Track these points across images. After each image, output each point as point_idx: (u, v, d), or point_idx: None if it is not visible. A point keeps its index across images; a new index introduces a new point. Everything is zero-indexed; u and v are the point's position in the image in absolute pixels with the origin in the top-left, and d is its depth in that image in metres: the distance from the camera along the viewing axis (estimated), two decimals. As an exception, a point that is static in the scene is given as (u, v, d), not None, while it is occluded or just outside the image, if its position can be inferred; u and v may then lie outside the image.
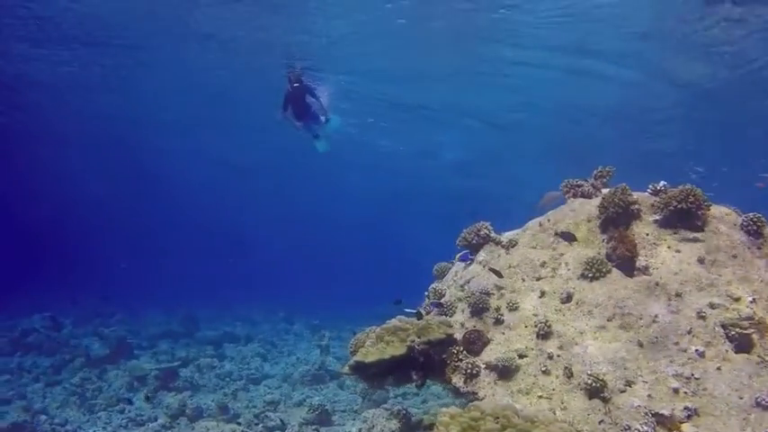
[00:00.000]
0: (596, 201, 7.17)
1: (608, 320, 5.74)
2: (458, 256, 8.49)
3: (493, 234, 7.87)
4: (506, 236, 7.91)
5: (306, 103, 14.30)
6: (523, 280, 6.71)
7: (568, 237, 6.58)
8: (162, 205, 55.48)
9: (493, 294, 6.78)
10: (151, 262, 58.62)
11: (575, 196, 7.74)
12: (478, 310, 6.65)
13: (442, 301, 7.54)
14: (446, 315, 7.19)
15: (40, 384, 16.10)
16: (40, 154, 37.79)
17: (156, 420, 12.53)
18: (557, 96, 19.65)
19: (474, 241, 7.88)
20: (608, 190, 7.25)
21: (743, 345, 5.25)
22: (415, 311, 9.62)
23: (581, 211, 7.16)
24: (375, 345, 6.90)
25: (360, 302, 34.87)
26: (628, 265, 6.29)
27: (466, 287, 7.54)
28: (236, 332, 22.24)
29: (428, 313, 7.61)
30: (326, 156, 17.10)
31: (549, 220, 7.38)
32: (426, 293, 8.41)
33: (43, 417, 13.10)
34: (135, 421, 12.58)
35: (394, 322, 6.80)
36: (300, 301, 35.98)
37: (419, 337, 6.30)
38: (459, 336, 6.51)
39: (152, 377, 15.21)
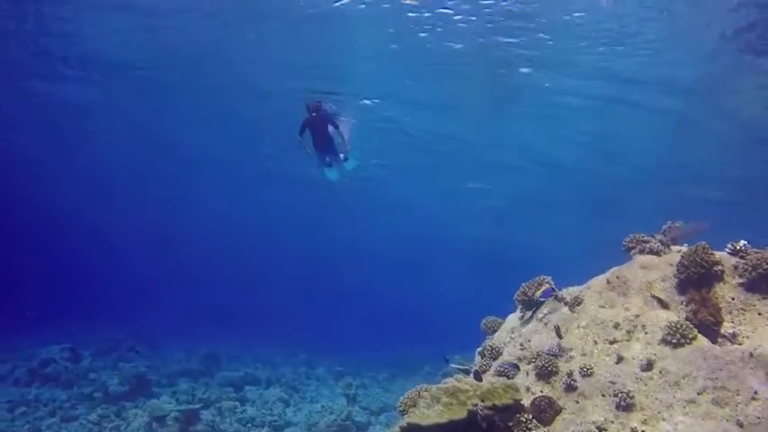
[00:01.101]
0: (667, 258, 6.66)
1: (698, 394, 5.15)
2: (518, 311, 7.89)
3: (556, 290, 7.35)
4: (568, 292, 7.39)
5: (328, 135, 13.94)
6: (596, 342, 6.15)
7: (664, 304, 6.07)
8: (186, 235, 55.67)
9: (560, 356, 6.21)
10: (172, 293, 58.62)
11: (641, 253, 7.23)
12: (546, 373, 6.09)
13: (500, 360, 6.96)
14: (506, 376, 6.62)
15: (55, 419, 15.65)
16: (65, 183, 38.22)
17: (175, 467, 11.92)
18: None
19: (535, 297, 7.35)
20: (681, 248, 6.75)
21: None
22: (462, 368, 9.05)
23: (653, 270, 6.64)
24: (431, 406, 6.35)
25: (380, 348, 34.11)
26: (711, 332, 5.73)
27: (526, 346, 6.98)
28: (258, 374, 21.60)
29: (484, 372, 7.04)
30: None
31: (617, 278, 6.85)
32: (479, 350, 7.86)
33: (59, 456, 12.58)
34: (153, 466, 11.98)
35: (452, 382, 6.25)
36: (320, 342, 35.27)
37: (483, 401, 5.74)
38: (526, 402, 5.93)
39: (172, 418, 14.63)
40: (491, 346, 7.39)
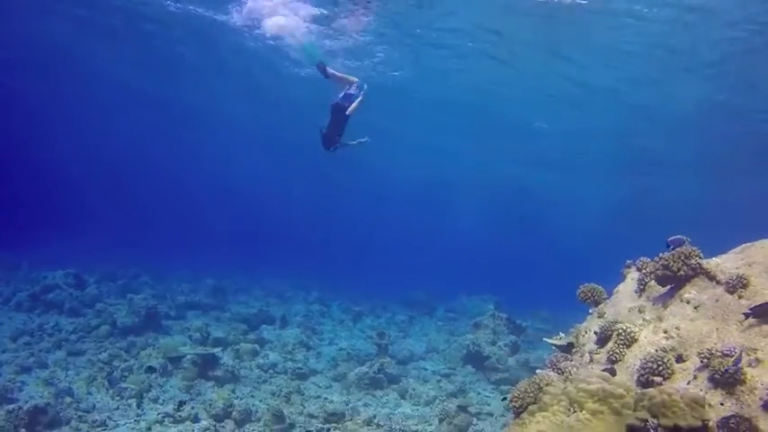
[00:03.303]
0: None
1: None
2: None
3: (705, 265, 5.80)
4: (719, 267, 5.82)
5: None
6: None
7: None
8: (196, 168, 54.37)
9: (739, 359, 4.71)
10: (181, 221, 57.66)
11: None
12: (727, 381, 4.59)
13: (638, 350, 5.41)
14: (657, 375, 5.12)
15: (62, 353, 14.45)
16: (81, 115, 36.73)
17: (197, 421, 10.74)
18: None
19: (682, 272, 5.79)
20: None
21: None
22: (559, 343, 7.63)
23: None
24: (568, 412, 4.92)
25: (388, 285, 33.17)
26: None
27: (673, 334, 5.49)
28: (272, 312, 20.43)
29: (616, 361, 5.48)
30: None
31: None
32: (595, 328, 6.41)
33: (68, 399, 11.38)
34: (173, 417, 10.80)
35: (601, 384, 4.79)
36: (327, 278, 34.28)
37: (655, 417, 4.30)
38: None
39: (188, 361, 13.44)
40: (623, 330, 5.87)
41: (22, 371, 13.09)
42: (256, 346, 15.42)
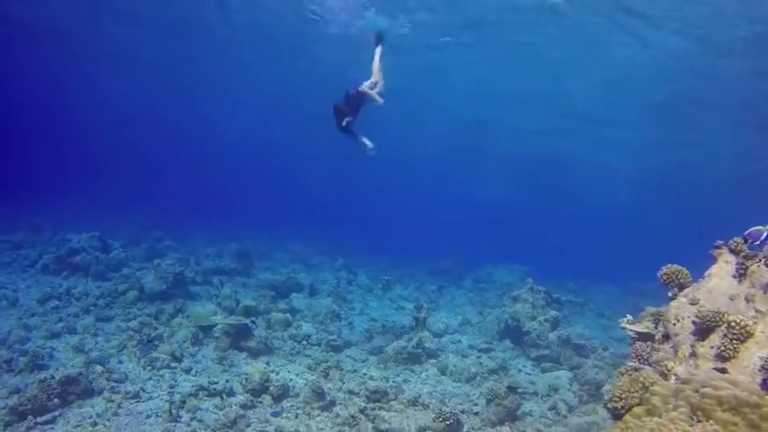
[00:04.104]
0: None
1: None
2: None
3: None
4: None
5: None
6: None
7: None
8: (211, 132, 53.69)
9: None
10: (200, 183, 57.48)
11: None
12: None
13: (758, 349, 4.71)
14: None
15: (90, 318, 14.12)
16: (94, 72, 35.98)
17: (233, 395, 10.33)
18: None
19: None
20: None
21: None
22: (642, 330, 6.95)
23: None
24: (691, 420, 4.26)
25: (417, 253, 32.70)
26: None
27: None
28: (300, 280, 19.96)
29: (727, 359, 4.81)
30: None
31: None
32: (692, 318, 5.68)
33: (99, 368, 11.02)
34: (207, 390, 10.39)
35: (733, 391, 4.12)
36: (353, 243, 33.88)
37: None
38: None
39: (220, 330, 13.04)
40: (736, 323, 5.14)
41: (51, 336, 12.79)
42: (288, 315, 14.96)
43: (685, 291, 6.74)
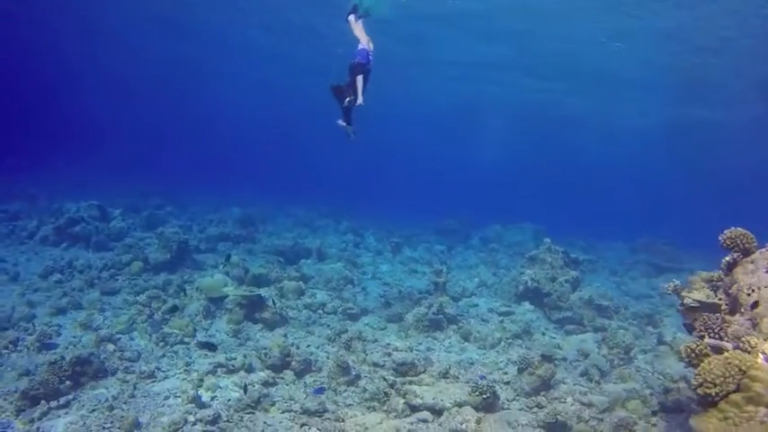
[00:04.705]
0: None
1: None
2: None
3: None
4: None
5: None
6: None
7: None
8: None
9: None
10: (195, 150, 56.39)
11: None
12: None
13: None
14: None
15: (95, 292, 13.58)
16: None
17: (253, 371, 9.87)
18: None
19: None
20: None
21: None
22: (707, 301, 6.44)
23: None
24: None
25: (420, 213, 32.30)
26: None
27: None
28: (307, 244, 19.42)
29: None
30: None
31: None
32: (757, 296, 5.14)
33: (110, 346, 10.52)
34: (225, 367, 9.92)
35: None
36: (355, 205, 33.27)
37: None
38: None
39: (232, 302, 12.53)
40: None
41: (57, 312, 12.28)
42: (301, 283, 14.46)
43: (752, 257, 6.21)
